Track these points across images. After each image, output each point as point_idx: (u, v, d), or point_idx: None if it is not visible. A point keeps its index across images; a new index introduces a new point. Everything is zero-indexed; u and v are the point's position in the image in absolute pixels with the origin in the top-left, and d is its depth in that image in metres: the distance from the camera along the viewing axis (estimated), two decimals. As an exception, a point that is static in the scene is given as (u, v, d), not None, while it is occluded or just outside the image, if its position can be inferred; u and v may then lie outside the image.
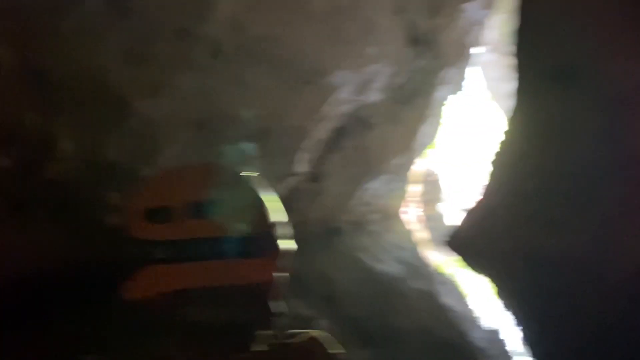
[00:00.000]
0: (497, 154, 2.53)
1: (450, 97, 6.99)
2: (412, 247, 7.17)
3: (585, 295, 1.98)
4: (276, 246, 0.64)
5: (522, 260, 2.06)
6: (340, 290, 4.14)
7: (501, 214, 2.13)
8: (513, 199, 2.14)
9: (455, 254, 2.79)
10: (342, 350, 0.60)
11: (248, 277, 0.59)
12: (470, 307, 5.14)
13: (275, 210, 0.65)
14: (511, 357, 4.12)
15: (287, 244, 0.65)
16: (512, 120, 2.66)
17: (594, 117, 2.06)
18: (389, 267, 5.69)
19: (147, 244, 0.59)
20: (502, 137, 2.68)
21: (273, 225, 0.64)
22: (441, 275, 6.10)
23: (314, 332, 0.64)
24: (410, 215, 9.60)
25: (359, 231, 5.68)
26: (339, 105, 3.45)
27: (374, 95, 3.86)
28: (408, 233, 8.05)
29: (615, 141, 2.03)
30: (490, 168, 2.47)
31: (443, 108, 7.07)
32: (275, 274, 0.63)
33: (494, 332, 4.48)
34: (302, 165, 3.55)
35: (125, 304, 0.61)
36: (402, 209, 8.29)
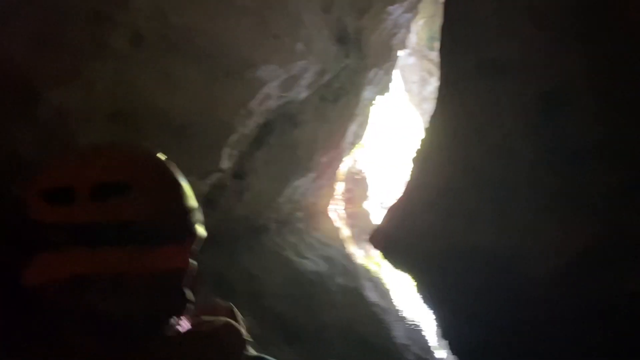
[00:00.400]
0: (419, 152, 2.55)
1: (378, 98, 7.12)
2: (338, 245, 7.25)
3: (508, 290, 2.03)
4: (191, 232, 0.58)
5: (443, 256, 2.09)
6: (266, 288, 4.09)
7: (423, 210, 2.14)
8: (435, 195, 2.15)
9: (376, 250, 2.80)
10: (250, 339, 0.57)
11: (159, 264, 0.54)
12: (394, 302, 5.26)
13: (190, 195, 0.59)
14: (432, 352, 4.24)
15: (200, 230, 0.60)
16: (436, 118, 2.69)
17: (522, 112, 2.09)
18: (314, 264, 5.70)
19: (45, 226, 0.53)
20: (424, 135, 2.72)
21: (188, 210, 0.58)
22: (366, 271, 6.22)
23: (225, 319, 0.59)
24: (337, 213, 9.72)
25: (285, 229, 5.65)
26: (266, 101, 3.39)
27: (301, 92, 3.84)
28: (334, 230, 8.13)
29: (543, 137, 2.08)
30: (412, 165, 2.50)
31: (371, 108, 7.19)
32: (189, 261, 0.58)
33: (417, 328, 4.60)
34: (227, 161, 3.45)
35: (23, 290, 0.54)
36: (328, 207, 8.37)
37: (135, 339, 0.53)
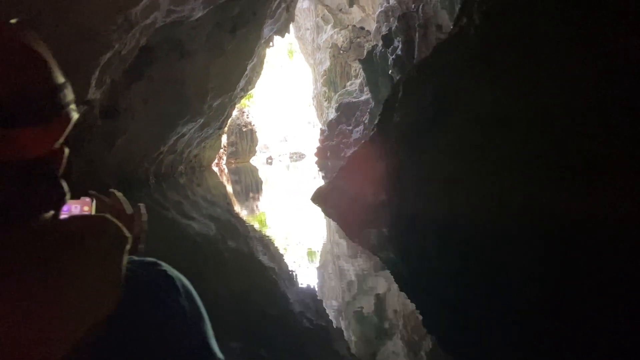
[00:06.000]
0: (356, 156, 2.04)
1: (276, 39, 6.41)
2: (225, 203, 6.66)
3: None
4: (59, 113, 0.39)
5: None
6: (146, 257, 3.39)
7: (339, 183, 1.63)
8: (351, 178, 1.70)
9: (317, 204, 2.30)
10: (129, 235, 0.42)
11: (17, 149, 0.38)
12: (285, 264, 5.01)
13: (55, 69, 0.40)
14: (323, 316, 4.00)
15: (72, 113, 0.40)
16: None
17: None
18: (202, 225, 5.10)
19: None
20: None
21: (54, 87, 0.39)
22: (255, 232, 5.82)
23: (103, 215, 0.44)
24: (221, 168, 8.95)
25: (166, 184, 4.88)
26: (151, 11, 2.57)
27: (196, 10, 3.05)
28: (219, 187, 7.46)
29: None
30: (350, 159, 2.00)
31: (267, 50, 6.46)
32: (56, 147, 0.41)
33: (309, 291, 4.33)
34: (96, 90, 2.60)
35: None
36: (214, 161, 7.59)
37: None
